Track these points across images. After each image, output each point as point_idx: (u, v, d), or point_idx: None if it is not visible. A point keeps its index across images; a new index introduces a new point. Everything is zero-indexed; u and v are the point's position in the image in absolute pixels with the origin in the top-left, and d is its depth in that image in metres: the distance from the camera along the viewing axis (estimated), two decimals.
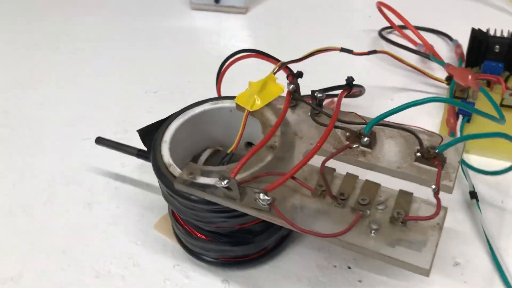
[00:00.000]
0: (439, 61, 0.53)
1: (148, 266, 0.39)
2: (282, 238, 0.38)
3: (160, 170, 0.33)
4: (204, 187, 0.31)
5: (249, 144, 0.40)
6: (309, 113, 0.35)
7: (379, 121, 0.32)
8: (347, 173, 0.31)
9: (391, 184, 0.32)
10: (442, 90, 0.53)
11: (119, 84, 0.59)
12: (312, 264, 0.38)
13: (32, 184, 0.46)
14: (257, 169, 0.31)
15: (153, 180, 0.44)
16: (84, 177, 0.46)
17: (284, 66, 0.37)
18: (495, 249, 0.37)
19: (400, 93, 0.54)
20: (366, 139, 0.31)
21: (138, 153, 0.41)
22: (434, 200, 0.28)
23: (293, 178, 0.29)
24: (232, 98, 0.38)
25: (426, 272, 0.26)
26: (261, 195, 0.28)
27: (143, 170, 0.46)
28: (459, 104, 0.45)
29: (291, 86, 0.35)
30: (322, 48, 0.40)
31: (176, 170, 0.33)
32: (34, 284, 0.38)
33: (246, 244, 0.36)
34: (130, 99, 0.56)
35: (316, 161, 0.31)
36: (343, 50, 0.41)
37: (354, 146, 0.30)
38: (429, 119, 0.49)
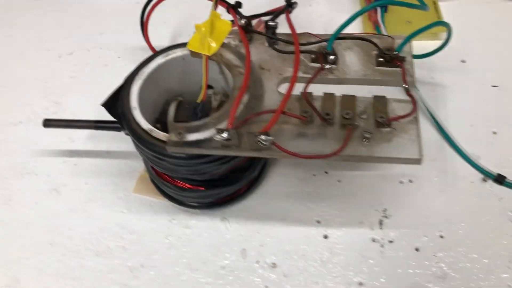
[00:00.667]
0: None
1: (144, 230, 0.39)
2: (263, 166, 0.40)
3: (143, 138, 0.33)
4: (198, 143, 0.31)
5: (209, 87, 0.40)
6: (266, 44, 0.36)
7: (336, 36, 0.34)
8: (325, 93, 0.33)
9: (360, 92, 0.34)
10: None
11: (28, 54, 0.53)
12: (294, 180, 0.41)
13: None
14: (240, 112, 0.32)
15: (110, 146, 0.43)
16: (36, 163, 0.44)
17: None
18: (438, 120, 0.42)
19: None
20: (332, 57, 0.33)
21: (97, 125, 0.39)
22: (401, 97, 0.32)
23: (283, 112, 0.30)
24: (181, 45, 0.37)
25: (418, 161, 0.30)
26: (263, 137, 0.29)
27: (95, 139, 0.44)
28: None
29: (243, 21, 0.35)
30: None
31: (159, 134, 0.33)
32: (37, 285, 0.37)
33: (237, 182, 0.38)
34: (46, 68, 0.51)
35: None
36: None
37: (326, 66, 0.32)
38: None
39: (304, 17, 0.52)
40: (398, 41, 0.35)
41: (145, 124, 0.33)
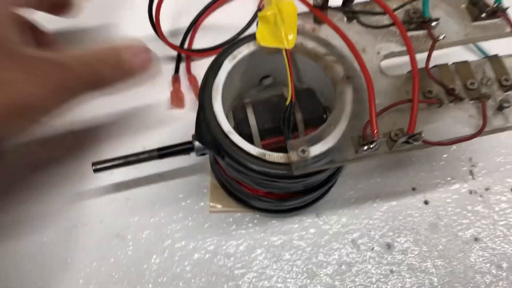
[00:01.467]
0: None
1: (241, 250, 0.36)
2: None
3: (252, 165, 0.28)
4: (325, 156, 0.28)
5: (265, 77, 0.35)
6: (345, 20, 0.31)
7: None
8: (437, 66, 0.30)
9: (457, 54, 0.32)
10: None
11: None
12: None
13: None
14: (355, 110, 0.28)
15: (157, 167, 0.37)
16: (79, 213, 0.37)
17: None
18: None
19: None
20: (435, 23, 0.30)
21: (161, 154, 0.33)
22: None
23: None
24: (245, 40, 0.31)
25: None
26: (415, 137, 0.26)
27: (136, 166, 0.38)
28: None
29: (318, 0, 0.30)
30: None
31: (274, 156, 0.28)
32: None
33: (333, 179, 0.35)
34: None
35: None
36: None
37: (441, 37, 0.29)
38: None
39: None
40: None
41: (253, 149, 0.28)
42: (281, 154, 0.28)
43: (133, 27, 0.43)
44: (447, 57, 0.31)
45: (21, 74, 0.25)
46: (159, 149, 0.33)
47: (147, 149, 0.34)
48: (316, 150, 0.27)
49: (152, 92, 0.39)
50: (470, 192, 0.37)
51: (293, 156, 0.27)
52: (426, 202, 0.37)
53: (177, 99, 0.40)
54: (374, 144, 0.26)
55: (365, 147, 0.26)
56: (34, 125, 0.28)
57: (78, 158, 0.38)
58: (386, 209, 0.37)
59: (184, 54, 0.42)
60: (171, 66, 0.41)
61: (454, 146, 0.39)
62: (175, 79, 0.41)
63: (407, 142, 0.27)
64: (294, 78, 0.34)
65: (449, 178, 0.38)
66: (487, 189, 0.37)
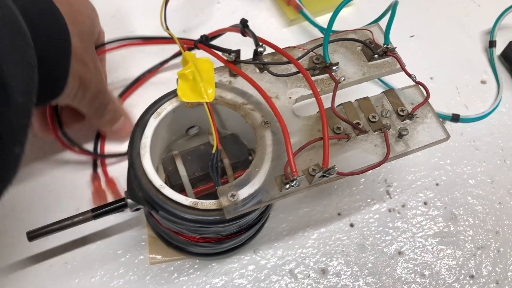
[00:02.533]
0: None
1: None
2: None
3: (187, 215, 0.30)
4: (253, 197, 0.30)
5: (191, 127, 0.37)
6: (257, 71, 0.34)
7: (327, 45, 0.34)
8: (342, 105, 0.34)
9: (357, 91, 0.36)
10: None
11: None
12: None
13: None
14: (275, 151, 0.31)
15: (94, 227, 0.38)
16: (17, 285, 0.36)
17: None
18: (385, 80, 0.46)
19: None
20: (335, 67, 0.34)
21: (95, 214, 0.34)
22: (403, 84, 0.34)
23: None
24: (168, 97, 0.34)
25: (447, 139, 0.33)
26: (329, 171, 0.29)
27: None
28: None
29: (231, 55, 0.33)
30: None
31: (206, 204, 0.30)
32: None
33: (262, 220, 0.37)
34: None
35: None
36: None
37: (342, 79, 0.33)
38: (266, 12, 0.51)
39: (217, 16, 0.50)
40: (373, 30, 0.36)
41: (185, 200, 0.30)
42: (212, 201, 0.30)
43: None
44: (361, 90, 0.34)
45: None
46: (93, 210, 0.34)
47: (80, 210, 0.34)
48: (244, 193, 0.30)
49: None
50: (389, 210, 0.41)
51: (224, 201, 0.29)
52: (351, 225, 0.40)
53: (99, 199, 0.39)
54: (294, 182, 0.29)
55: (287, 186, 0.29)
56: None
57: (10, 228, 0.37)
58: (317, 237, 0.39)
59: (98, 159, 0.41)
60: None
61: (370, 171, 0.42)
62: (94, 177, 0.40)
63: (323, 176, 0.29)
64: (218, 125, 0.37)
65: (369, 200, 0.41)
66: (403, 205, 0.41)
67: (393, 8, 0.36)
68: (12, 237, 0.37)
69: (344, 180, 0.42)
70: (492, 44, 0.50)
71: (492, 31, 0.50)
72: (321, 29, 0.48)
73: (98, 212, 0.34)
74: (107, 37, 0.40)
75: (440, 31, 0.52)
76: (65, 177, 0.40)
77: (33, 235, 0.33)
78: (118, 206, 0.34)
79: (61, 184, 0.40)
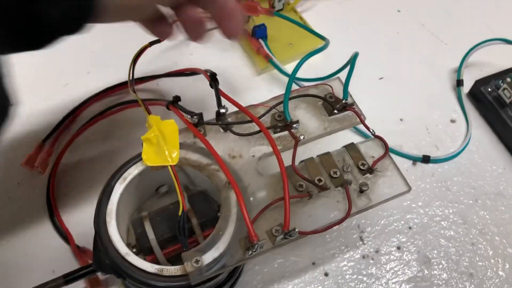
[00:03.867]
0: None
1: None
2: None
3: (153, 282, 0.30)
4: (218, 261, 0.30)
5: (160, 187, 0.38)
6: (222, 130, 0.35)
7: (287, 102, 0.35)
8: (305, 160, 0.34)
9: (319, 145, 0.37)
10: None
11: None
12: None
13: None
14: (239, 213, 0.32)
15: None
16: None
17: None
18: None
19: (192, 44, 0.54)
20: (295, 125, 0.34)
21: (67, 279, 0.34)
22: (365, 137, 0.35)
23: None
24: (133, 161, 0.34)
25: (409, 191, 0.34)
26: (290, 233, 0.30)
27: None
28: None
29: (194, 117, 0.34)
30: (137, 53, 0.38)
31: (171, 270, 0.30)
32: None
33: (238, 272, 0.38)
34: None
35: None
36: (152, 43, 0.40)
37: (301, 137, 0.34)
38: (238, 61, 0.52)
39: (190, 67, 0.51)
40: (333, 84, 0.37)
41: (150, 267, 0.30)
42: (177, 267, 0.30)
43: None
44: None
45: None
46: (64, 276, 0.34)
47: (56, 271, 0.35)
48: (209, 257, 0.30)
49: None
50: (363, 256, 0.41)
51: (188, 267, 0.30)
52: (326, 274, 0.40)
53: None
54: (256, 247, 0.29)
55: (250, 251, 0.29)
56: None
57: None
58: (291, 285, 0.40)
59: None
60: None
61: None
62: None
63: (285, 237, 0.30)
64: (187, 182, 0.37)
65: (343, 247, 0.42)
66: (377, 251, 0.42)
67: (352, 61, 0.37)
68: None
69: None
70: (459, 83, 0.51)
71: (459, 70, 0.51)
72: (289, 76, 0.49)
73: (69, 277, 0.34)
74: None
75: (409, 72, 0.53)
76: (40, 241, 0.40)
77: None
78: (89, 271, 0.34)
79: (36, 247, 0.40)
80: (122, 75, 0.47)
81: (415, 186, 0.45)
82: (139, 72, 0.48)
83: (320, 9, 0.57)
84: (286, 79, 0.50)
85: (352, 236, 0.42)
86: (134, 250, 0.32)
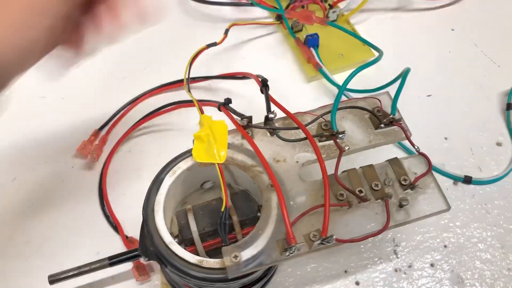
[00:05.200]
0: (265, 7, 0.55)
1: None
2: None
3: (193, 272, 0.32)
4: (255, 259, 0.32)
5: (206, 182, 0.40)
6: (268, 134, 0.37)
7: (335, 113, 0.36)
8: (346, 171, 0.35)
9: (361, 157, 0.37)
10: (275, 28, 0.57)
11: None
12: None
13: None
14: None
15: (112, 270, 0.40)
16: None
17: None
18: None
19: (245, 48, 0.56)
20: (341, 135, 0.35)
21: (112, 262, 0.36)
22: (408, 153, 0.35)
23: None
24: (182, 157, 0.36)
25: (448, 210, 0.34)
26: (327, 239, 0.31)
27: None
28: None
29: (244, 120, 0.35)
30: (194, 54, 0.40)
31: (211, 263, 0.32)
32: None
33: (272, 271, 0.39)
34: None
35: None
36: (209, 45, 0.42)
37: (346, 148, 0.35)
38: (288, 67, 0.54)
39: (241, 70, 0.53)
40: (382, 98, 0.38)
41: (192, 258, 0.32)
42: (217, 260, 0.32)
43: None
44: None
45: None
46: (110, 258, 0.36)
47: (101, 253, 0.37)
48: (247, 254, 0.31)
49: None
50: (395, 270, 0.42)
51: (227, 261, 0.31)
52: (357, 283, 0.41)
53: (140, 276, 0.40)
54: (293, 249, 0.30)
55: (287, 252, 0.30)
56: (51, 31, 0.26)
57: (36, 268, 0.40)
58: None
59: None
60: None
61: None
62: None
63: (322, 243, 0.31)
64: (231, 181, 0.39)
65: (376, 259, 0.42)
66: (409, 266, 0.42)
67: (403, 76, 0.38)
68: (34, 278, 0.40)
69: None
70: (509, 106, 0.50)
71: (510, 93, 0.51)
72: (338, 87, 0.50)
73: (114, 260, 0.37)
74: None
75: (458, 91, 0.53)
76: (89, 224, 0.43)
77: (53, 279, 0.36)
78: (133, 255, 0.36)
79: (84, 229, 0.43)
80: (176, 73, 0.50)
81: (454, 206, 0.45)
82: (192, 71, 0.50)
83: (373, 22, 0.58)
84: (333, 88, 0.51)
85: (387, 249, 0.43)
86: (176, 240, 0.34)
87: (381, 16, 0.59)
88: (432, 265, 0.42)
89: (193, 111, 0.37)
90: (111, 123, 0.47)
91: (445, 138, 0.49)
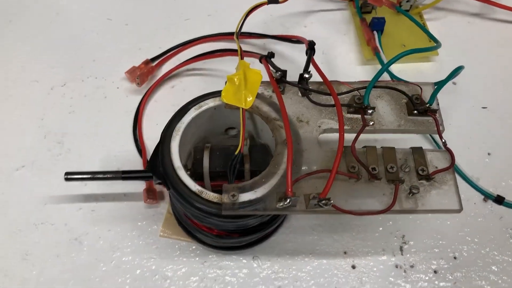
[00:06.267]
0: None
1: (178, 274, 0.40)
2: None
3: (192, 200, 0.33)
4: (251, 204, 0.32)
5: (231, 128, 0.41)
6: (299, 94, 0.37)
7: (371, 86, 0.35)
8: (366, 147, 0.35)
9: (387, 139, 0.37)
10: (344, 5, 0.57)
11: (14, 89, 0.49)
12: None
13: None
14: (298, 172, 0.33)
15: (126, 187, 0.42)
16: (49, 212, 0.42)
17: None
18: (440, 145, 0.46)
19: (309, 18, 0.56)
20: (371, 111, 0.35)
21: (124, 176, 0.38)
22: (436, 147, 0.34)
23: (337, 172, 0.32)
24: (212, 95, 0.37)
25: (459, 211, 0.33)
26: (324, 202, 0.30)
27: (108, 183, 0.43)
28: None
29: (278, 73, 0.36)
30: (252, 7, 0.40)
31: (210, 195, 0.33)
32: None
33: (271, 226, 0.39)
34: (39, 104, 0.48)
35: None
36: (270, 2, 0.42)
37: (370, 123, 0.34)
38: (347, 46, 0.53)
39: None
40: (425, 88, 0.37)
41: (194, 186, 0.33)
42: (216, 195, 0.33)
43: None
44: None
45: None
46: (123, 172, 0.38)
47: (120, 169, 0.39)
48: (245, 197, 0.32)
49: None
50: (396, 266, 0.41)
51: (224, 198, 0.32)
52: (353, 267, 0.41)
53: (148, 199, 0.42)
54: (288, 201, 0.30)
55: (281, 203, 0.31)
56: None
57: (62, 167, 0.43)
58: (316, 265, 0.40)
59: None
60: None
61: (390, 222, 0.42)
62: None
63: (318, 204, 0.31)
64: (254, 134, 0.40)
65: (379, 249, 0.41)
66: (412, 266, 0.41)
67: (454, 71, 0.36)
68: (55, 176, 0.43)
69: (362, 222, 0.42)
70: None
71: None
72: (391, 76, 0.49)
73: (127, 175, 0.38)
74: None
75: None
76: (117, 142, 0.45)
77: (69, 177, 0.38)
78: (144, 175, 0.38)
79: (112, 144, 0.45)
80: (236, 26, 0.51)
81: (477, 222, 0.43)
82: (252, 26, 0.51)
83: (447, 22, 0.56)
84: (386, 77, 0.50)
85: (393, 243, 0.42)
86: (188, 172, 0.35)
87: (457, 18, 0.56)
88: (435, 272, 0.41)
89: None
90: (163, 57, 0.49)
91: (488, 154, 0.47)
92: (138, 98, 0.47)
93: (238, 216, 0.33)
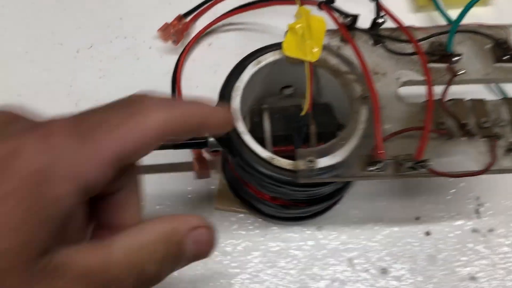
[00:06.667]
0: None
1: (238, 249, 0.36)
2: None
3: (261, 167, 0.29)
4: (332, 169, 0.28)
5: (287, 87, 0.36)
6: (371, 42, 0.32)
7: (455, 31, 0.31)
8: (453, 100, 0.31)
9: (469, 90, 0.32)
10: None
11: (37, 52, 0.44)
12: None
13: None
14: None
15: (172, 157, 0.38)
16: None
17: None
18: None
19: None
20: (457, 58, 0.30)
21: (176, 144, 0.34)
22: None
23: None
24: (271, 48, 0.33)
25: None
26: (420, 164, 0.27)
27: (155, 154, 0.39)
28: None
29: (347, 19, 0.31)
30: None
31: (281, 162, 0.29)
32: None
33: (339, 194, 0.36)
34: (65, 68, 0.43)
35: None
36: None
37: (461, 72, 0.30)
38: None
39: None
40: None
41: (262, 152, 0.29)
42: (289, 161, 0.29)
43: None
44: (465, 95, 0.31)
45: None
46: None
47: None
48: (324, 162, 0.28)
49: None
50: (473, 230, 0.37)
51: (300, 164, 0.28)
52: (427, 233, 0.37)
53: (200, 170, 0.38)
54: (380, 165, 0.27)
55: (371, 167, 0.27)
56: None
57: None
58: (387, 234, 0.37)
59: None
60: None
61: (463, 183, 0.39)
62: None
63: (413, 168, 0.27)
64: (314, 91, 0.35)
65: (454, 214, 0.38)
66: (490, 230, 0.37)
67: None
68: None
69: (432, 185, 0.39)
70: None
71: None
72: (450, 22, 0.44)
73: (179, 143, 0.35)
74: None
75: None
76: None
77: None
78: (198, 142, 0.34)
79: None
80: None
81: None
82: None
83: None
84: (443, 23, 0.45)
85: (468, 206, 0.38)
86: None
87: None
88: None
89: (284, 14, 0.33)
90: (197, 11, 0.44)
91: None
92: (174, 58, 0.43)
93: (314, 184, 0.30)
